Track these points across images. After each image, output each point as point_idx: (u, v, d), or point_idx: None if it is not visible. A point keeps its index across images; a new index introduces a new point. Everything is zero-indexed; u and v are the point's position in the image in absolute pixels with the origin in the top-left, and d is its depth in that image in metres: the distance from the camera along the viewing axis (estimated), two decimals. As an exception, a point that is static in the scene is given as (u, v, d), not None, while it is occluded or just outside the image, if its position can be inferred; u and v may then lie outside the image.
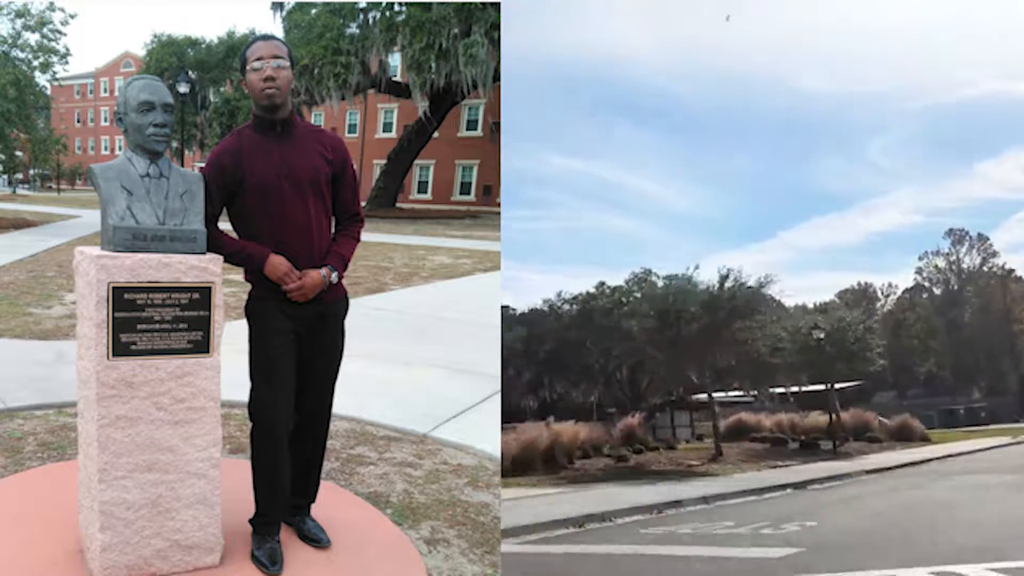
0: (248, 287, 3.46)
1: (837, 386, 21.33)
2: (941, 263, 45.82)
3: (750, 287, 17.00)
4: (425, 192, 54.21)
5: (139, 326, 3.03)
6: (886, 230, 70.47)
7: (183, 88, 34.53)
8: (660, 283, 20.93)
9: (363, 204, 4.08)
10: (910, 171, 72.95)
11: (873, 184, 72.21)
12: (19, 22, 27.13)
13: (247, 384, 3.41)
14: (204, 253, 3.15)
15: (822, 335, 19.43)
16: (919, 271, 46.24)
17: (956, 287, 44.72)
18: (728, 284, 17.09)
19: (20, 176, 63.99)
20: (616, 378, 24.86)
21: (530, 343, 25.46)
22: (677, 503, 9.80)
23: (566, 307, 25.00)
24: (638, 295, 23.44)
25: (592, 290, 25.36)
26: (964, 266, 45.38)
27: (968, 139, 73.63)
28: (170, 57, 52.20)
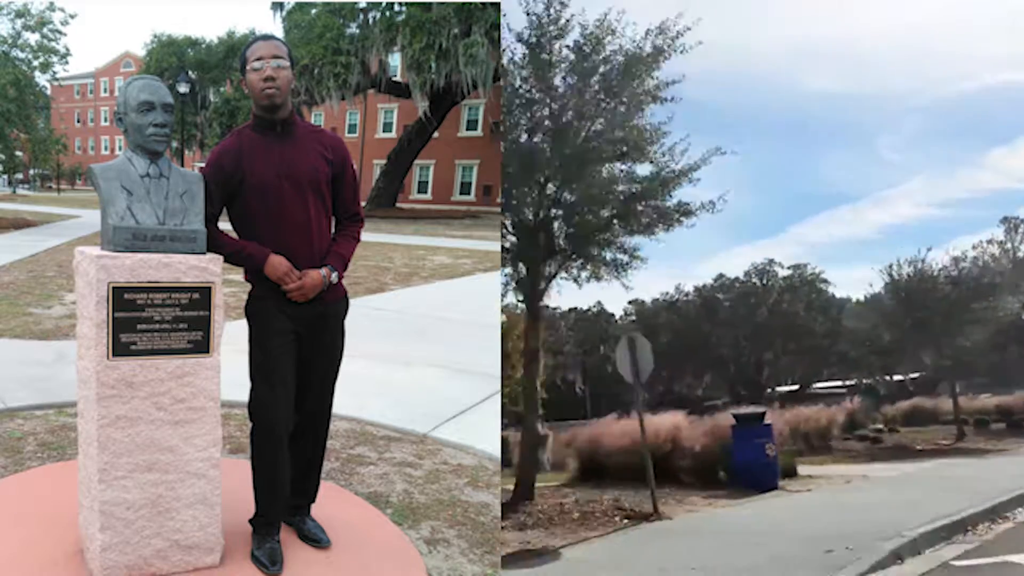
0: (248, 287, 3.46)
1: (904, 377, 21.96)
2: (995, 251, 45.40)
3: (988, 268, 18.16)
4: (425, 192, 54.15)
5: (139, 326, 3.03)
6: (898, 223, 70.82)
7: (183, 88, 34.54)
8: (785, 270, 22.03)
9: (363, 204, 4.08)
10: (921, 163, 73.37)
11: (883, 178, 72.71)
12: (19, 22, 27.12)
13: (247, 384, 3.41)
14: (204, 253, 3.15)
15: None
16: (974, 260, 45.77)
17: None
18: (963, 265, 18.47)
19: (20, 176, 63.94)
20: (745, 369, 25.52)
21: (649, 337, 26.39)
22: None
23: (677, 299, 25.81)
24: (758, 284, 24.25)
25: (711, 282, 26.03)
26: (1020, 254, 44.90)
27: (979, 130, 73.79)
28: (170, 57, 52.12)
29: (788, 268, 26.15)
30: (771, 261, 26.55)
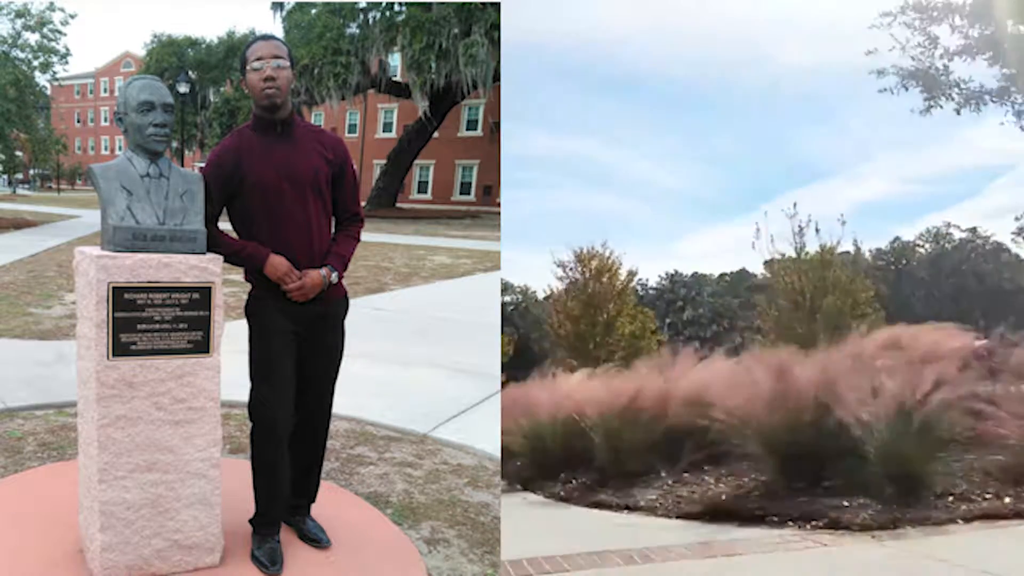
0: (248, 287, 3.46)
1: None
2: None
3: None
4: (425, 192, 54.16)
5: (139, 326, 3.03)
6: (869, 199, 71.38)
7: (183, 88, 34.59)
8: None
9: (363, 204, 4.08)
10: (891, 139, 74.20)
11: (855, 154, 73.59)
12: (19, 22, 27.17)
13: (247, 384, 3.41)
14: (204, 253, 3.15)
15: None
16: (1020, 231, 46.24)
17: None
18: None
19: (20, 176, 63.93)
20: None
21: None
22: None
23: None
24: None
25: (883, 247, 27.61)
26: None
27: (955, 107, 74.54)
28: (170, 57, 52.11)
29: (965, 231, 27.98)
30: (948, 224, 28.05)
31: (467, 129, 51.73)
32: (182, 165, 7.33)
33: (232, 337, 3.47)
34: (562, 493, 6.53)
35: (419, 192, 54.30)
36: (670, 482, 6.17)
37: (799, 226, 22.79)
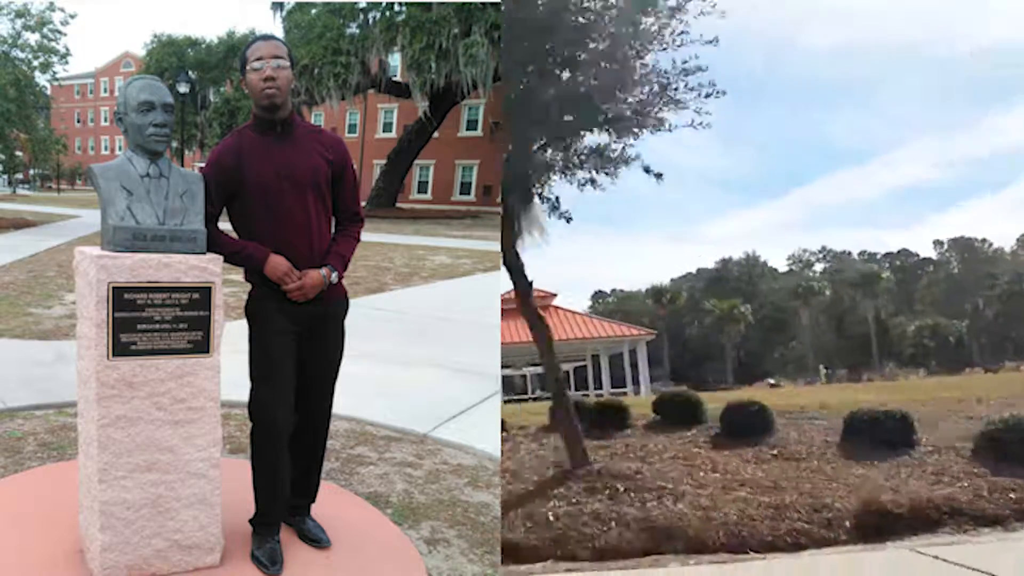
0: (248, 287, 3.46)
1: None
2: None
3: None
4: (425, 192, 54.13)
5: (139, 326, 3.03)
6: (903, 184, 70.74)
7: (183, 88, 34.55)
8: None
9: (363, 204, 4.09)
10: (925, 125, 73.53)
11: (888, 140, 72.97)
12: (19, 22, 27.15)
13: (247, 384, 3.41)
14: (204, 253, 3.15)
15: None
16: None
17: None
18: None
19: (20, 176, 63.87)
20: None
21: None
22: None
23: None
24: None
25: None
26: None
27: (984, 91, 73.53)
28: (170, 57, 52.07)
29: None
30: None
31: (467, 129, 51.69)
32: (182, 165, 7.33)
33: (232, 337, 3.47)
34: None
35: (419, 192, 54.26)
36: None
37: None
